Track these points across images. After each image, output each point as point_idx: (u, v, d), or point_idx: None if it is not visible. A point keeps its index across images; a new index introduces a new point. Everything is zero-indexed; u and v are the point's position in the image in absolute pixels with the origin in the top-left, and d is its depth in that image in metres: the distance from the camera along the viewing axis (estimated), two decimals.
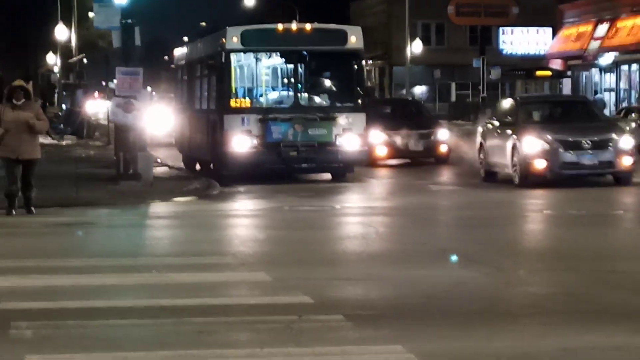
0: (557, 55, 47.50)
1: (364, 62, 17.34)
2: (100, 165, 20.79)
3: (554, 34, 48.40)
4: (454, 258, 9.15)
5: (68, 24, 44.35)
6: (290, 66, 16.50)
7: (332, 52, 16.37)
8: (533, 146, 13.33)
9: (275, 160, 15.96)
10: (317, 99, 16.68)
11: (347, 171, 17.15)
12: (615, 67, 41.56)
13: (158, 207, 15.05)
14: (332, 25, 17.10)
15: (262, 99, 17.18)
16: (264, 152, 15.81)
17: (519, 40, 52.72)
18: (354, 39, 16.21)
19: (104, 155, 22.55)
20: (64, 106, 45.30)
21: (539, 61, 51.02)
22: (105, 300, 6.75)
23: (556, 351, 4.67)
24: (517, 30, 52.81)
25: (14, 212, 12.36)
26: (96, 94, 46.63)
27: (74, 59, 46.45)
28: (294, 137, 15.54)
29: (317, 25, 16.45)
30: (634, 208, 15.15)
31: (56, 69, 50.49)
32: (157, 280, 8.00)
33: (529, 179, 13.93)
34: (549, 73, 49.34)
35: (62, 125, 38.11)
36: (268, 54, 16.61)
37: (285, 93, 17.05)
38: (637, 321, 5.63)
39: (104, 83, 40.19)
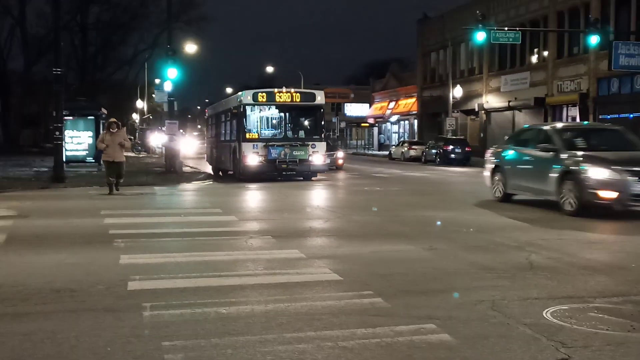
0: (371, 116, 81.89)
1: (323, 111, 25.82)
2: (157, 166, 31.64)
3: (370, 106, 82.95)
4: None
5: (142, 99, 71.77)
6: (282, 113, 24.52)
7: (306, 106, 24.54)
8: (601, 175, 11.97)
9: (272, 170, 23.72)
10: (298, 133, 24.45)
11: (314, 176, 24.98)
12: (398, 122, 74.80)
13: (185, 186, 23.81)
14: (306, 90, 24.92)
15: (265, 133, 24.91)
16: (267, 165, 23.58)
17: (355, 109, 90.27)
18: (319, 98, 24.69)
19: (159, 162, 33.67)
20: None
21: (363, 119, 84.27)
22: (161, 229, 12.11)
23: (368, 253, 9.36)
24: (354, 104, 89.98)
25: (113, 191, 18.24)
26: (156, 132, 64.47)
27: (145, 116, 77.37)
28: (284, 156, 23.31)
29: (297, 90, 24.91)
30: None
31: (137, 120, 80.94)
32: (183, 219, 14.04)
33: (588, 209, 12.43)
34: (367, 124, 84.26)
35: (139, 147, 63.80)
36: (268, 106, 24.65)
37: (278, 129, 24.90)
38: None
39: (160, 127, 51.42)
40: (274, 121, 24.86)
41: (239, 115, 23.72)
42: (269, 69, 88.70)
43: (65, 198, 17.13)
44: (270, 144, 23.08)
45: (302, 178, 24.38)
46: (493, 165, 16.17)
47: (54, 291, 6.86)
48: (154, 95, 48.58)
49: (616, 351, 5.03)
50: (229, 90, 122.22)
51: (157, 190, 20.67)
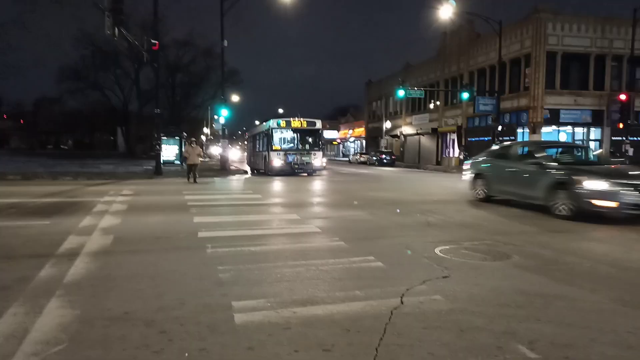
0: (338, 138, 75.48)
1: (323, 132, 24.90)
2: (216, 166, 28.71)
3: (338, 132, 75.16)
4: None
5: (207, 127, 67.25)
6: (295, 134, 23.38)
7: (310, 129, 23.51)
8: (599, 187, 8.86)
9: (289, 168, 22.48)
10: (305, 146, 23.34)
11: (314, 172, 23.38)
12: (354, 141, 68.60)
13: (233, 177, 22.40)
14: (310, 119, 23.64)
15: (284, 146, 23.40)
16: (286, 166, 22.53)
17: (328, 134, 70.71)
18: (318, 124, 23.76)
19: (217, 164, 32.18)
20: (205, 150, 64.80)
21: (334, 139, 75.61)
22: (218, 202, 10.77)
23: (337, 216, 6.79)
24: (328, 131, 69.17)
25: (191, 181, 17.83)
26: (215, 146, 59.17)
27: (209, 137, 71.04)
28: (297, 160, 22.59)
29: (304, 118, 23.45)
30: None
31: (204, 139, 72.58)
32: (230, 196, 13.49)
33: (583, 214, 9.01)
34: (336, 142, 76.92)
35: (206, 155, 51.38)
36: (286, 129, 23.42)
37: (292, 144, 23.43)
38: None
39: (217, 143, 50.96)
40: (290, 138, 23.57)
41: (268, 134, 22.90)
42: (280, 110, 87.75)
43: (162, 184, 17.08)
44: (288, 152, 22.43)
45: (306, 174, 23.19)
46: (474, 174, 12.72)
47: (154, 237, 6.90)
48: (214, 125, 49.50)
49: (475, 272, 5.15)
50: (257, 122, 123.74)
51: (216, 180, 20.32)
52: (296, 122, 22.98)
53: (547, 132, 30.27)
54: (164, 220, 8.48)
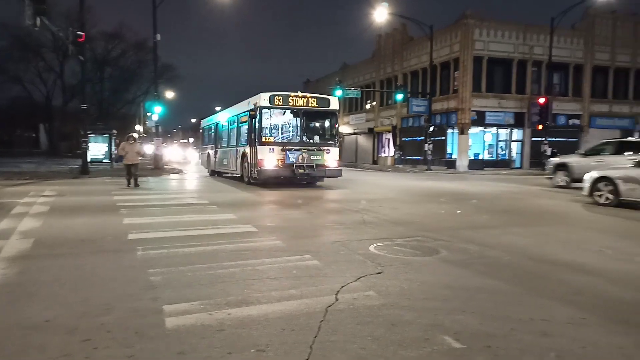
0: None
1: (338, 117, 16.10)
2: (149, 165, 26.73)
3: None
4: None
5: (140, 124, 58.14)
6: (297, 118, 15.24)
7: (321, 111, 15.52)
8: None
9: (290, 174, 14.71)
10: (312, 138, 15.40)
11: (322, 179, 16.24)
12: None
13: (169, 177, 20.63)
14: (321, 95, 15.92)
15: (281, 137, 15.68)
16: (284, 169, 14.71)
17: None
18: (334, 103, 15.68)
19: (150, 163, 28.97)
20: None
21: None
22: (149, 202, 8.82)
23: (273, 214, 6.50)
24: None
25: (131, 184, 15.37)
26: (149, 144, 56.16)
27: (142, 134, 60.77)
28: (302, 160, 14.69)
29: (312, 94, 15.64)
30: None
31: (136, 137, 69.97)
32: (163, 196, 10.62)
33: None
34: None
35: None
36: (284, 110, 15.32)
37: (293, 134, 15.51)
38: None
39: (151, 141, 49.55)
40: (289, 125, 15.99)
41: (254, 118, 15.00)
42: (217, 107, 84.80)
43: (89, 184, 16.20)
44: (287, 147, 14.69)
45: (314, 181, 16.32)
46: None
47: (79, 240, 6.54)
48: (147, 122, 48.27)
49: (406, 267, 5.32)
50: (193, 120, 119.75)
51: (149, 179, 19.20)
52: (299, 98, 15.34)
53: (474, 133, 31.89)
54: (91, 222, 8.06)
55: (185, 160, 46.63)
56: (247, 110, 15.83)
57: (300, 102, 15.24)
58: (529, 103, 31.22)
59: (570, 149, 26.44)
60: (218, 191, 14.57)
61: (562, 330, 3.54)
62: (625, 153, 15.07)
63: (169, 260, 5.42)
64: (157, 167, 25.19)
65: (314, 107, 15.41)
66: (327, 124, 15.87)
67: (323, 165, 15.08)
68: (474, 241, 6.82)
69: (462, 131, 31.28)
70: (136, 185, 15.27)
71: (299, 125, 15.28)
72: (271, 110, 15.12)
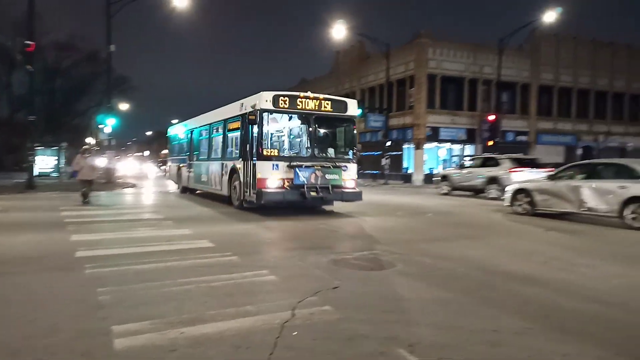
0: None
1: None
2: (101, 179, 21.38)
3: None
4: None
5: (92, 136, 52.29)
6: (307, 125, 12.05)
7: (337, 117, 12.20)
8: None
9: (298, 197, 11.27)
10: (326, 152, 12.15)
11: (331, 202, 12.57)
12: None
13: (121, 190, 19.34)
14: (336, 97, 12.64)
15: (286, 150, 12.86)
16: (292, 191, 11.25)
17: None
18: (352, 108, 12.43)
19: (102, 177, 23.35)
20: None
21: None
22: (99, 217, 9.70)
23: (228, 231, 6.69)
24: None
25: (87, 199, 13.99)
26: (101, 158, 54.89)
27: (93, 147, 58.99)
28: (315, 180, 11.36)
29: (326, 96, 12.24)
30: None
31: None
32: (115, 211, 10.19)
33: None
34: None
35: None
36: (290, 115, 12.01)
37: (302, 146, 12.47)
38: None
39: (103, 155, 48.01)
40: (297, 134, 13.26)
41: (252, 124, 11.48)
42: (174, 120, 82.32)
43: (35, 200, 15.42)
44: (296, 163, 11.33)
45: (325, 204, 12.85)
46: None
47: (24, 258, 6.21)
48: (99, 135, 46.47)
49: (363, 281, 5.35)
50: (149, 133, 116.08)
51: (100, 194, 18.01)
52: (310, 100, 11.89)
53: (429, 148, 32.77)
54: (36, 239, 7.68)
55: (141, 174, 45.25)
56: (240, 115, 12.58)
57: (311, 104, 11.86)
58: (480, 120, 32.44)
59: None
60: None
61: (510, 339, 3.66)
62: (487, 166, 18.89)
63: (119, 278, 5.23)
64: (110, 181, 24.39)
65: (328, 111, 12.04)
66: (343, 133, 12.62)
67: (340, 187, 11.76)
68: (428, 254, 6.95)
69: (418, 146, 32.09)
70: (85, 202, 13.92)
71: (310, 134, 11.91)
72: (274, 115, 11.83)
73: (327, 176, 11.57)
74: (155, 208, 13.41)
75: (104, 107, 27.52)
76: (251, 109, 11.72)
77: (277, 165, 11.30)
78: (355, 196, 12.15)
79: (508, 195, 13.15)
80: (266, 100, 11.42)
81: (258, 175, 11.28)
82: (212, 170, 15.05)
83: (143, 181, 30.80)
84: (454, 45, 32.61)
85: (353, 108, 12.50)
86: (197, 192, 17.99)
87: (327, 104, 12.09)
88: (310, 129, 11.92)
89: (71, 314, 4.06)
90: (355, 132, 12.66)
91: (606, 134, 37.21)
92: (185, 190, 18.92)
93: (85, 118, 58.13)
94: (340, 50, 40.99)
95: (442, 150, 33.86)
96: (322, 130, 12.28)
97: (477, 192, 19.17)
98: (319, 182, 11.44)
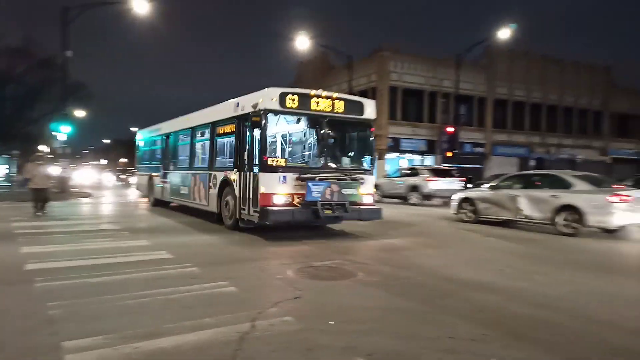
0: None
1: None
2: (54, 188, 20.57)
3: None
4: None
5: (46, 144, 48.93)
6: (317, 129, 9.99)
7: (352, 120, 10.20)
8: None
9: (310, 216, 9.26)
10: (340, 161, 10.10)
11: (342, 219, 10.05)
12: None
13: (76, 200, 18.64)
14: (350, 96, 10.65)
15: (295, 159, 10.99)
16: (303, 210, 9.19)
17: None
18: (369, 109, 10.42)
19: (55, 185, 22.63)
20: None
21: None
22: (52, 228, 7.74)
23: (189, 241, 6.52)
24: None
25: (39, 213, 13.04)
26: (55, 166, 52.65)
27: (47, 155, 56.75)
28: (331, 195, 9.30)
29: (339, 95, 10.19)
30: None
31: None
32: (69, 222, 9.13)
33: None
34: None
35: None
36: (298, 117, 9.88)
37: (315, 154, 10.36)
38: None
39: (56, 163, 45.84)
40: (306, 141, 11.27)
41: (255, 128, 9.52)
42: (133, 128, 79.72)
43: None
44: (307, 175, 9.31)
45: (336, 221, 10.44)
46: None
47: None
48: (53, 143, 44.19)
49: (324, 291, 5.37)
50: (106, 141, 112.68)
51: (53, 204, 16.57)
52: (322, 101, 9.92)
53: (391, 158, 33.29)
54: None
55: (98, 184, 43.79)
56: (236, 117, 10.41)
57: (324, 105, 9.84)
58: (439, 132, 33.28)
59: (476, 174, 28.56)
60: (124, 214, 13.57)
61: (466, 346, 3.74)
62: (409, 175, 20.69)
63: (72, 292, 5.02)
64: (64, 191, 23.47)
65: (343, 113, 10.05)
66: (360, 139, 10.69)
67: (358, 203, 9.81)
68: (388, 262, 7.04)
69: (380, 156, 32.54)
70: (43, 212, 13.05)
71: (322, 140, 9.87)
72: (280, 116, 9.68)
73: (344, 191, 9.48)
74: (110, 217, 13.00)
75: (59, 114, 26.58)
76: (252, 110, 9.58)
77: (284, 178, 9.19)
78: (374, 214, 10.22)
79: (454, 203, 13.85)
80: (272, 99, 9.28)
81: (261, 190, 9.11)
82: (196, 182, 12.61)
83: (101, 191, 29.84)
84: (415, 58, 33.42)
85: (371, 110, 10.49)
86: (172, 204, 15.57)
87: (342, 104, 10.06)
88: (323, 134, 9.80)
89: (18, 329, 3.87)
90: (373, 138, 10.68)
91: (557, 146, 38.93)
92: (158, 202, 16.39)
93: (38, 125, 56.03)
94: (304, 61, 41.26)
95: (404, 160, 34.47)
96: (336, 136, 10.13)
97: (402, 198, 20.81)
98: (334, 198, 9.38)
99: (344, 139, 10.60)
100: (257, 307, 4.59)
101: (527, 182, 12.11)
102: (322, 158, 9.79)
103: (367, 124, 10.46)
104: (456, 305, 4.89)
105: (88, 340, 3.65)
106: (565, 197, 10.76)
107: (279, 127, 10.78)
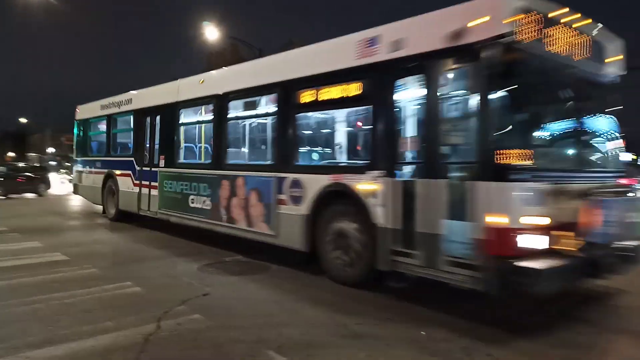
0: None
1: None
2: None
3: None
4: None
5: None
6: (564, 96, 4.76)
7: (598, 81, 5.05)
8: None
9: (586, 273, 4.15)
10: (598, 158, 5.11)
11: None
12: None
13: None
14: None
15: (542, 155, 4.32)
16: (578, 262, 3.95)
17: None
18: (617, 62, 5.25)
19: None
20: None
21: None
22: None
23: (89, 241, 6.68)
24: None
25: None
26: None
27: None
28: (620, 229, 4.27)
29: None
30: None
31: None
32: None
33: None
34: None
35: None
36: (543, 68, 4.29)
37: (563, 143, 4.81)
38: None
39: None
40: (548, 116, 4.55)
41: (491, 82, 3.65)
42: (23, 119, 65.25)
43: None
44: (596, 189, 3.96)
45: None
46: None
47: None
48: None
49: (235, 286, 5.32)
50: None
51: None
52: (576, 37, 4.47)
53: None
54: None
55: None
56: (377, 65, 5.07)
57: (575, 48, 4.67)
58: None
59: None
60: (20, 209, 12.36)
61: (369, 330, 3.92)
62: None
63: None
64: None
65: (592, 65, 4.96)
66: (606, 116, 5.29)
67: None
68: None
69: None
70: None
71: (571, 118, 4.99)
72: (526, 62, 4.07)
73: (628, 217, 4.63)
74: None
75: None
76: (477, 40, 4.10)
77: (537, 194, 4.05)
78: None
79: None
80: (524, 18, 4.06)
81: (492, 220, 3.98)
82: (238, 190, 6.97)
83: None
84: None
85: (619, 62, 5.35)
86: (159, 218, 9.16)
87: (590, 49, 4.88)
88: (571, 105, 5.04)
89: None
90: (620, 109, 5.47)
91: None
92: (123, 215, 10.40)
93: None
94: (213, 51, 40.16)
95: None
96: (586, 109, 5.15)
97: None
98: (622, 231, 4.53)
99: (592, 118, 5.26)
100: (163, 306, 4.41)
101: None
102: (576, 150, 5.01)
103: (616, 86, 5.39)
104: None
105: None
106: None
107: (530, 79, 4.39)
